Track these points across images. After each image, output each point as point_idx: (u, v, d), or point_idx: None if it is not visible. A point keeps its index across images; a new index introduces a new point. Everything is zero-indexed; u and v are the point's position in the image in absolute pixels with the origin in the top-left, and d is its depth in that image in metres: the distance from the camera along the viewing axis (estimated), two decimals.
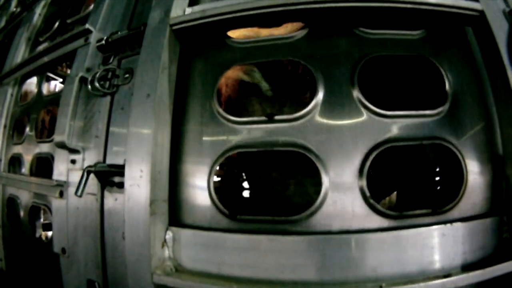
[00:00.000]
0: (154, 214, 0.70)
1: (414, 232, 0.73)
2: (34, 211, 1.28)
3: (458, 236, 0.75)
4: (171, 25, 0.83)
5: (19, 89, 1.57)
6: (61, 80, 1.83)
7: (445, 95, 0.83)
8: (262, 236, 0.66)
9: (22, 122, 1.45)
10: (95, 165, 0.91)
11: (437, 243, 0.74)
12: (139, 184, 0.70)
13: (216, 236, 0.71)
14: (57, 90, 1.70)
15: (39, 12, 1.69)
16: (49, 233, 1.32)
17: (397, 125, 0.78)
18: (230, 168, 1.05)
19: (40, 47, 1.53)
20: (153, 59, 0.79)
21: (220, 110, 0.80)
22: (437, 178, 0.95)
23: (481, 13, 0.83)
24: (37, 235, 1.31)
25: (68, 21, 1.47)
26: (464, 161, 0.81)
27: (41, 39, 1.59)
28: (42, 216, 1.41)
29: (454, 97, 0.84)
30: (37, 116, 1.38)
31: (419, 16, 0.81)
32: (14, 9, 2.18)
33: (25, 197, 1.32)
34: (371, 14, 0.80)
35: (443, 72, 0.84)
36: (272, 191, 1.04)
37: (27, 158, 1.35)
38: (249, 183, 1.10)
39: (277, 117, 0.75)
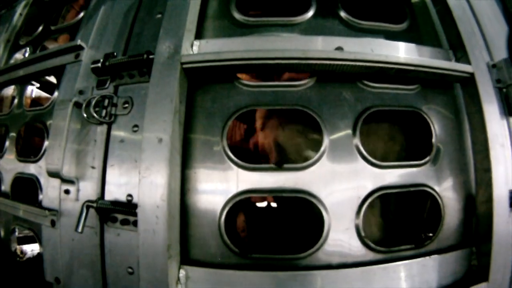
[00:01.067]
0: (170, 257, 0.73)
1: (400, 264, 0.88)
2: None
3: (435, 265, 0.92)
4: (182, 63, 0.83)
5: None
6: (38, 85, 1.72)
7: (430, 146, 0.96)
8: (271, 273, 0.74)
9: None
10: (96, 201, 0.91)
11: (419, 273, 0.90)
12: (154, 230, 0.73)
13: (227, 274, 0.77)
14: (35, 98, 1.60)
15: (20, 11, 1.57)
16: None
17: (389, 174, 0.90)
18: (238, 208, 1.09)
19: (20, 53, 1.43)
20: (164, 100, 0.80)
21: (230, 154, 0.83)
22: (418, 217, 1.07)
23: (472, 74, 0.96)
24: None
25: (53, 28, 1.39)
26: (442, 203, 0.96)
27: (21, 43, 1.49)
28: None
29: (438, 148, 0.98)
30: (17, 132, 1.31)
31: (418, 75, 0.90)
32: None
33: (6, 219, 1.27)
34: (367, 70, 0.88)
35: (432, 125, 0.97)
36: (279, 231, 1.11)
37: (7, 177, 1.29)
38: (257, 224, 1.16)
39: (285, 166, 0.81)
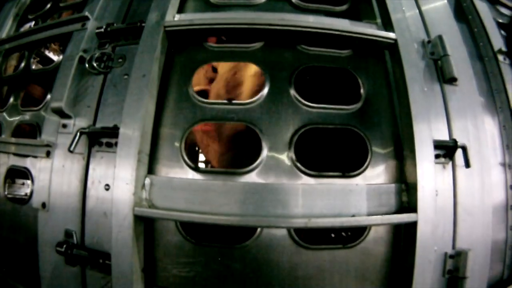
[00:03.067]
0: (139, 162, 1.04)
1: (329, 186, 1.13)
2: (11, 174, 1.52)
3: (363, 194, 1.12)
4: (165, 27, 1.21)
5: (2, 62, 1.80)
6: (38, 59, 2.08)
7: (359, 96, 1.28)
8: (218, 182, 1.04)
9: (5, 93, 1.68)
10: (88, 127, 1.23)
11: (345, 196, 1.11)
12: (131, 139, 1.05)
13: (184, 181, 1.07)
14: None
15: None
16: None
17: (319, 114, 1.23)
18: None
19: (28, 25, 1.79)
20: (149, 50, 1.16)
21: (194, 94, 1.19)
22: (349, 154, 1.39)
23: (395, 41, 1.25)
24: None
25: (61, 4, 1.77)
26: (369, 143, 1.23)
27: (30, 17, 1.86)
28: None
29: (367, 98, 1.28)
30: (23, 89, 1.64)
31: (346, 40, 1.28)
32: None
33: (2, 163, 1.55)
34: (306, 36, 1.24)
35: (360, 80, 1.30)
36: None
37: (9, 126, 1.59)
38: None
39: (234, 101, 1.16)
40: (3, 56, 1.80)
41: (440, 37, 1.35)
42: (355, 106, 1.26)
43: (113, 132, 1.16)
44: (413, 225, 1.08)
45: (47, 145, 1.33)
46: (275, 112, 1.18)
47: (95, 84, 1.35)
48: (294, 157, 1.14)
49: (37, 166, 1.36)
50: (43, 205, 1.32)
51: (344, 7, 1.47)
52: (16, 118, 1.60)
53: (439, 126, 1.28)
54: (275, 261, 1.10)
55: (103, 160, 1.23)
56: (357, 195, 1.12)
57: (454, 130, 1.29)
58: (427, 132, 1.15)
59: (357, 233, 1.21)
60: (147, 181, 1.08)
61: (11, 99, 1.64)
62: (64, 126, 1.33)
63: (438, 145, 1.18)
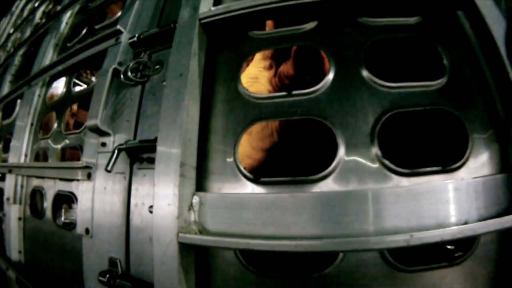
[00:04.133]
0: (183, 177, 0.88)
1: (429, 186, 0.84)
2: (59, 200, 1.49)
3: (471, 191, 0.85)
4: (200, 19, 1.08)
5: (46, 90, 1.86)
6: (85, 86, 2.14)
7: (444, 69, 1.02)
8: (284, 195, 0.83)
9: (50, 120, 1.71)
10: (125, 143, 1.13)
11: (451, 197, 0.84)
12: (170, 150, 0.90)
13: (240, 197, 0.88)
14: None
15: (65, 21, 2.05)
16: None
17: (401, 94, 0.97)
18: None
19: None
20: (185, 47, 1.04)
21: (245, 90, 1.02)
22: (445, 142, 1.10)
23: None
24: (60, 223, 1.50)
25: (96, 27, 1.79)
26: (467, 124, 0.96)
27: (69, 45, 1.92)
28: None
29: (452, 70, 1.02)
30: (65, 112, 1.64)
31: (412, 4, 1.04)
32: (39, 20, 2.60)
33: (50, 188, 1.54)
34: (367, 4, 1.04)
35: (440, 49, 1.04)
36: (294, 156, 1.22)
37: (54, 152, 1.59)
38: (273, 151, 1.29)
39: (294, 92, 0.96)
40: (47, 85, 1.86)
41: None
42: (441, 81, 1.00)
43: (153, 145, 1.03)
44: None
45: (87, 167, 1.26)
46: (346, 98, 0.96)
47: (133, 97, 1.27)
48: (379, 153, 0.89)
49: (80, 189, 1.30)
50: (87, 230, 1.24)
51: None
52: (61, 144, 1.59)
53: None
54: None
55: (145, 178, 1.11)
56: (465, 194, 0.85)
57: None
58: None
59: (461, 244, 0.97)
60: (195, 199, 0.91)
61: (55, 125, 1.65)
62: (103, 144, 1.26)
63: None
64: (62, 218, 1.61)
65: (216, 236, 0.85)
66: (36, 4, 2.90)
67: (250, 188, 0.92)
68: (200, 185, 0.98)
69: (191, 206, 0.91)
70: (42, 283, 1.53)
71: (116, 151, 1.13)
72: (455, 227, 0.79)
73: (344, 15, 1.09)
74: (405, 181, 0.88)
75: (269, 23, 1.26)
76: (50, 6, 2.61)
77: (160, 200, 0.90)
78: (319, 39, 1.07)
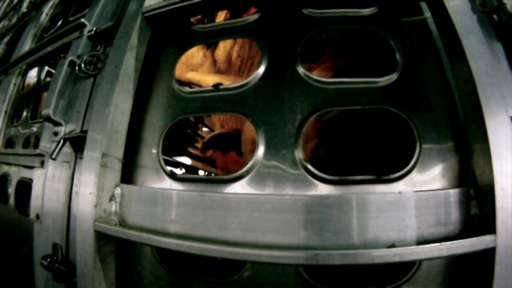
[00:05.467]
0: (104, 167, 0.93)
1: (355, 197, 0.77)
2: (21, 185, 1.58)
3: (409, 207, 0.77)
4: (143, 13, 1.12)
5: (22, 79, 1.96)
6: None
7: (395, 64, 0.96)
8: (193, 193, 0.85)
9: (21, 108, 1.80)
10: (70, 133, 1.19)
11: (382, 213, 0.77)
12: (96, 140, 0.95)
13: (159, 192, 0.92)
14: None
15: (46, 11, 2.14)
16: None
17: (338, 91, 0.94)
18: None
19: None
20: (124, 40, 1.08)
21: (175, 84, 1.05)
22: (389, 147, 1.07)
23: None
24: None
25: (70, 19, 1.86)
26: (416, 128, 0.88)
27: (45, 35, 2.00)
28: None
29: (406, 66, 0.96)
30: (34, 103, 1.73)
31: None
32: (25, 9, 2.71)
33: (15, 175, 1.63)
34: None
35: (392, 42, 0.99)
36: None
37: (21, 139, 1.68)
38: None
39: (221, 87, 0.98)
40: (23, 74, 1.95)
41: None
42: (390, 77, 0.95)
43: None
44: (490, 253, 0.72)
45: (40, 155, 1.33)
46: (275, 95, 0.96)
47: (85, 88, 1.33)
48: (302, 156, 0.88)
49: (35, 176, 1.38)
50: (37, 216, 1.31)
51: None
52: (27, 131, 1.68)
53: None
54: None
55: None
56: (401, 210, 0.77)
57: None
58: (498, 100, 0.80)
59: (404, 266, 0.86)
60: (117, 191, 0.96)
61: (24, 113, 1.73)
62: (56, 134, 1.33)
63: None
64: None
65: (130, 229, 0.90)
66: None
67: (169, 183, 0.95)
68: (128, 177, 1.02)
69: (112, 197, 0.96)
70: (2, 266, 1.63)
71: (61, 141, 1.19)
72: (376, 251, 0.69)
73: (288, 5, 1.08)
74: (332, 190, 0.84)
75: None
76: None
77: (83, 188, 0.96)
78: (259, 31, 1.08)
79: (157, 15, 1.13)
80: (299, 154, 0.89)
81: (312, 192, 0.86)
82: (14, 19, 2.59)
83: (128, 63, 1.06)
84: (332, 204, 0.75)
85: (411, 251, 0.70)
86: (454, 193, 0.80)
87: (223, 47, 1.70)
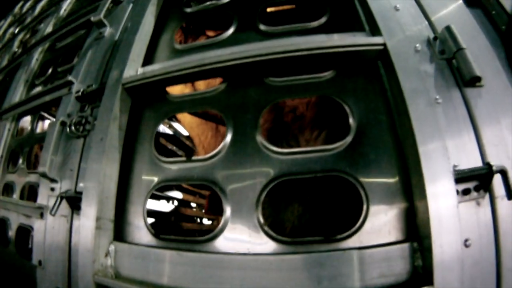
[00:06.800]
0: (99, 229, 1.14)
1: (305, 257, 0.94)
2: (21, 230, 1.77)
3: (353, 263, 0.90)
4: (123, 84, 1.32)
5: (16, 125, 2.15)
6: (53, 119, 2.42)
7: (348, 129, 1.08)
8: (173, 252, 1.06)
9: (17, 155, 1.99)
10: (66, 192, 1.39)
11: (327, 269, 0.91)
12: (91, 205, 1.15)
13: (145, 250, 1.12)
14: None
15: (36, 57, 2.34)
16: None
17: (294, 161, 1.11)
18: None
19: (35, 90, 2.12)
20: (107, 111, 1.28)
21: (154, 152, 1.25)
22: (339, 208, 1.26)
23: (384, 46, 1.08)
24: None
25: (59, 69, 2.05)
26: (364, 190, 1.01)
27: (36, 82, 2.20)
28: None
29: (359, 130, 1.08)
30: (29, 150, 1.92)
31: (323, 59, 1.13)
32: (16, 49, 2.90)
33: (14, 220, 1.82)
34: (274, 64, 1.16)
35: (346, 107, 1.11)
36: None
37: (19, 186, 1.87)
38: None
39: (193, 158, 1.19)
40: (16, 120, 2.14)
41: (448, 29, 1.11)
42: (343, 143, 1.08)
43: None
44: None
45: (39, 208, 1.53)
46: (239, 166, 1.14)
47: (76, 148, 1.53)
48: (261, 220, 1.06)
49: (35, 226, 1.57)
50: (39, 262, 1.51)
51: (322, 20, 1.32)
52: (25, 179, 1.87)
53: (465, 147, 1.00)
54: None
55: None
56: (345, 266, 0.92)
57: (487, 149, 1.00)
58: (441, 159, 0.92)
59: None
60: (111, 248, 1.16)
61: (20, 161, 1.93)
62: (52, 189, 1.53)
63: (463, 176, 0.94)
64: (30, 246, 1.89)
65: (124, 282, 1.11)
66: (16, 31, 3.21)
67: (154, 241, 1.16)
68: (120, 234, 1.23)
69: (108, 253, 1.17)
70: None
71: (59, 199, 1.39)
72: None
73: (251, 76, 1.25)
74: (287, 249, 1.00)
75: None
76: (27, 36, 2.91)
77: (82, 246, 1.16)
78: (225, 102, 1.28)
79: (135, 86, 1.33)
80: (259, 218, 1.07)
81: (271, 251, 1.03)
82: (5, 60, 2.77)
83: (113, 134, 1.26)
84: (282, 262, 0.96)
85: None
86: (397, 247, 0.93)
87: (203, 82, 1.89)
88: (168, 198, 2.58)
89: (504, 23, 1.22)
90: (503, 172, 0.92)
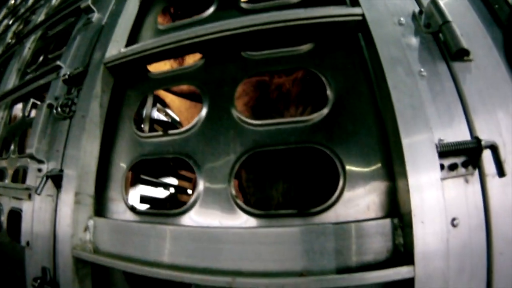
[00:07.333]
0: (78, 204, 1.17)
1: (277, 230, 0.93)
2: (13, 214, 1.82)
3: (327, 237, 0.88)
4: (105, 63, 1.34)
5: (8, 113, 2.20)
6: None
7: (325, 100, 1.07)
8: (147, 225, 1.08)
9: (9, 142, 2.04)
10: (51, 171, 1.42)
11: (298, 244, 0.89)
12: (70, 180, 1.18)
13: (122, 224, 1.15)
14: None
15: (28, 46, 2.38)
16: None
17: (269, 132, 1.12)
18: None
19: (27, 78, 2.16)
20: (89, 90, 1.31)
21: (134, 128, 1.28)
22: (315, 181, 1.28)
23: (363, 16, 1.08)
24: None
25: (50, 56, 2.09)
26: (341, 162, 1.00)
27: (28, 71, 2.24)
28: None
29: (337, 101, 1.07)
30: (21, 136, 1.97)
31: (300, 32, 1.14)
32: (10, 40, 2.96)
33: (6, 204, 1.87)
34: (252, 38, 1.17)
35: (324, 79, 1.11)
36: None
37: (10, 171, 1.92)
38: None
39: (170, 132, 1.21)
40: (9, 108, 2.19)
41: (434, 2, 1.08)
42: (318, 114, 1.08)
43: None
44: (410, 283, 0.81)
45: (27, 189, 1.57)
46: (213, 139, 1.17)
47: (62, 129, 1.56)
48: (233, 192, 1.08)
49: (24, 207, 1.61)
50: (27, 243, 1.55)
51: None
52: (16, 165, 1.92)
53: (452, 122, 0.96)
54: None
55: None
56: (320, 241, 0.89)
57: (476, 124, 0.96)
58: (422, 130, 0.90)
59: None
60: (90, 223, 1.19)
61: (12, 147, 1.98)
62: (39, 170, 1.56)
63: (448, 149, 0.89)
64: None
65: (101, 255, 1.13)
66: (10, 22, 3.28)
67: (132, 216, 1.19)
68: (100, 210, 1.26)
69: (87, 228, 1.20)
70: None
71: (44, 178, 1.42)
72: (289, 279, 0.83)
73: (229, 51, 1.26)
74: (259, 223, 1.01)
75: None
76: (21, 27, 2.96)
77: (62, 221, 1.19)
78: (203, 77, 1.30)
79: (117, 65, 1.36)
80: (232, 191, 1.09)
81: (243, 225, 1.03)
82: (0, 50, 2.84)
83: (94, 111, 1.29)
84: (253, 236, 0.96)
85: (319, 280, 0.82)
86: (377, 223, 0.89)
87: (192, 57, 1.90)
88: (165, 185, 2.62)
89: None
90: (494, 148, 0.89)
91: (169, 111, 2.65)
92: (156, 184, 2.46)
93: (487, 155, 0.91)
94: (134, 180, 2.09)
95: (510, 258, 0.87)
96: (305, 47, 1.20)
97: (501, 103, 0.99)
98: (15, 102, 2.21)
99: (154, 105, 2.27)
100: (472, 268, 0.86)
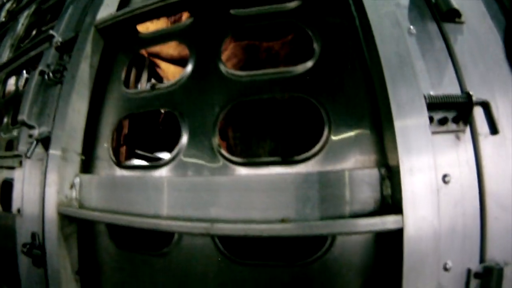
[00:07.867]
0: (65, 160, 1.18)
1: (259, 178, 0.94)
2: (5, 186, 1.83)
3: (310, 185, 0.87)
4: (95, 25, 1.35)
5: (2, 87, 2.21)
6: None
7: (311, 53, 1.07)
8: (132, 178, 1.09)
9: (2, 116, 2.06)
10: (41, 133, 1.43)
11: (279, 191, 0.88)
12: (58, 137, 1.19)
13: (107, 179, 1.16)
14: None
15: (22, 22, 2.39)
16: None
17: (253, 83, 1.13)
18: None
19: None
20: (80, 51, 1.32)
21: (122, 86, 1.29)
22: (303, 139, 1.28)
23: None
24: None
25: (43, 28, 2.10)
26: (326, 112, 1.00)
27: (22, 45, 2.25)
28: None
29: (323, 54, 1.07)
30: (14, 108, 1.98)
31: None
32: (3, 19, 2.96)
33: None
34: None
35: (310, 32, 1.11)
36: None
37: (3, 143, 1.93)
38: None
39: (157, 86, 1.21)
40: (3, 82, 2.21)
41: None
42: (303, 66, 1.08)
43: None
44: (398, 233, 0.80)
45: (18, 155, 1.57)
46: (198, 90, 1.18)
47: (54, 94, 1.57)
48: (217, 142, 1.11)
49: (15, 175, 1.62)
50: (18, 210, 1.56)
51: None
52: (8, 135, 1.93)
53: (443, 79, 0.95)
54: (200, 276, 1.02)
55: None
56: (303, 190, 0.88)
57: (467, 83, 0.95)
58: (409, 82, 0.88)
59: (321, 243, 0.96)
60: (77, 180, 1.20)
61: (5, 119, 1.99)
62: (30, 136, 1.57)
63: (438, 102, 0.88)
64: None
65: (84, 210, 1.14)
66: (5, 0, 3.29)
67: (118, 171, 1.19)
68: (87, 168, 1.26)
69: (73, 185, 1.20)
70: None
71: (34, 142, 1.43)
72: (265, 225, 0.83)
73: (216, 8, 1.26)
74: (243, 171, 1.03)
75: None
76: (14, 5, 2.97)
77: (49, 178, 1.20)
78: (190, 34, 1.31)
79: (107, 26, 1.36)
80: (215, 141, 1.10)
81: (226, 173, 1.04)
82: None
83: (84, 71, 1.30)
84: (235, 184, 0.96)
85: (297, 226, 0.82)
86: (363, 173, 0.88)
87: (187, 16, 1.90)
88: (159, 160, 2.64)
89: None
90: (485, 105, 0.89)
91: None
92: (150, 159, 2.47)
93: (479, 113, 0.91)
94: (129, 154, 2.09)
95: (505, 224, 0.86)
96: (293, 4, 1.20)
97: (494, 66, 0.98)
98: (8, 76, 2.22)
99: (149, 79, 2.28)
100: (465, 229, 0.85)
